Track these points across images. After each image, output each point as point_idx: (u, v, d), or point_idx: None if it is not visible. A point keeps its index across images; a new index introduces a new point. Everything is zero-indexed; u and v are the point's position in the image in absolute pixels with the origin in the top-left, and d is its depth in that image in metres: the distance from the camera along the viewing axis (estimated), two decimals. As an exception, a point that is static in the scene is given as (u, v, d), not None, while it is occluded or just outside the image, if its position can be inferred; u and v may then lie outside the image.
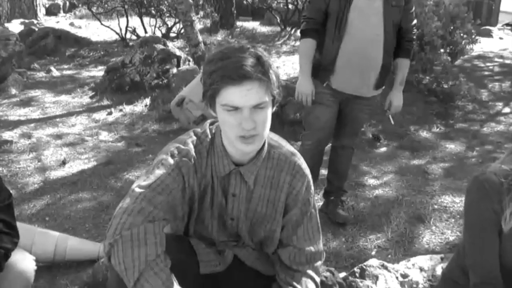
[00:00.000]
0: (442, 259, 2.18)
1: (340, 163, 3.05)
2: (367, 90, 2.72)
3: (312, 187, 1.53)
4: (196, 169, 1.42)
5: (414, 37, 2.80)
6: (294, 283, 1.45)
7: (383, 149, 4.41)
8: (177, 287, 1.23)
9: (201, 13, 9.88)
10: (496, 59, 8.04)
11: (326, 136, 2.87)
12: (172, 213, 1.35)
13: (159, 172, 1.35)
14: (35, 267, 2.12)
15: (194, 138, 1.45)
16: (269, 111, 1.33)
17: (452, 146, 4.52)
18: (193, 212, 1.47)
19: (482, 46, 7.58)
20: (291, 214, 1.49)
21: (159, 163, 1.37)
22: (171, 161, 1.37)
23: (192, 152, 1.41)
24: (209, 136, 1.45)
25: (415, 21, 2.75)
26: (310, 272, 1.48)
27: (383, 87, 2.84)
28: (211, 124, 1.50)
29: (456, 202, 3.36)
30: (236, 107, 1.27)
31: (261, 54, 1.29)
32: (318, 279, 1.49)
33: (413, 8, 2.73)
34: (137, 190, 1.30)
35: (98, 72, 7.08)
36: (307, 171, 1.52)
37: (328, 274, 1.88)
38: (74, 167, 3.89)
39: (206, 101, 1.34)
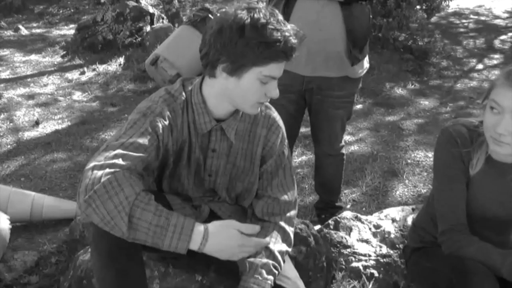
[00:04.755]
0: (413, 210, 2.25)
1: (326, 173, 2.46)
2: (332, 67, 2.07)
3: (286, 140, 1.56)
4: (171, 127, 1.41)
5: None
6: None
7: (359, 106, 4.45)
8: (169, 212, 1.22)
9: (175, -32, 9.56)
10: (471, 16, 8.08)
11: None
12: (145, 170, 1.34)
13: (131, 131, 1.33)
14: (10, 226, 2.13)
15: (167, 96, 1.43)
16: None
17: (426, 103, 4.59)
18: (166, 168, 1.47)
19: (458, 2, 7.60)
20: (266, 165, 1.52)
21: (132, 122, 1.36)
22: (144, 120, 1.35)
23: (166, 111, 1.39)
24: (183, 94, 1.44)
25: None
26: (282, 223, 1.49)
27: (366, 64, 2.20)
28: (184, 80, 1.48)
29: (428, 156, 3.44)
30: (273, 78, 1.34)
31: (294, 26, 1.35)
32: (290, 230, 1.51)
33: None
34: (108, 148, 1.29)
35: (68, 30, 6.87)
36: (281, 123, 1.54)
37: (303, 226, 1.92)
38: (47, 127, 3.82)
39: (232, 66, 1.30)
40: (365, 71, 2.21)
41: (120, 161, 1.24)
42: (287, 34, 1.28)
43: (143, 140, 1.32)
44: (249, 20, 1.27)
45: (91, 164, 1.25)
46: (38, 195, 2.52)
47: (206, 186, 1.55)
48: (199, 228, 1.23)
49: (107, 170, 1.22)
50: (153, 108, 1.38)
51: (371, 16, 2.14)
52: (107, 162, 1.24)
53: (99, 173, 1.21)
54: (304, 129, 3.09)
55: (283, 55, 1.29)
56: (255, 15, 1.28)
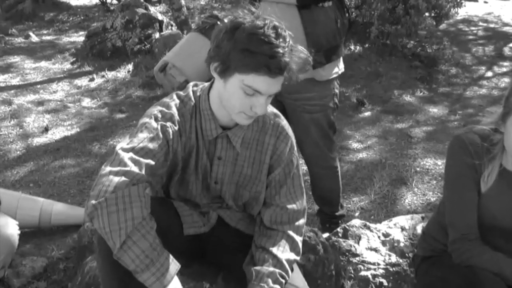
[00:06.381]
0: (423, 218, 2.23)
1: (322, 188, 2.43)
2: None
3: (295, 148, 1.55)
4: (180, 133, 1.41)
5: None
6: (267, 246, 1.44)
7: (367, 113, 4.44)
8: (162, 248, 1.24)
9: (184, -24, 9.63)
10: (480, 23, 8.05)
11: None
12: (154, 176, 1.34)
13: (142, 135, 1.33)
14: (19, 232, 2.13)
15: (177, 101, 1.44)
16: None
17: (435, 110, 4.56)
18: (175, 174, 1.47)
19: (467, 10, 7.57)
20: (274, 174, 1.50)
21: (142, 127, 1.36)
22: (154, 124, 1.36)
23: (176, 115, 1.40)
24: (193, 99, 1.44)
25: None
26: (290, 232, 1.48)
27: (336, 69, 2.17)
28: (194, 86, 1.49)
29: (438, 164, 3.42)
30: (257, 92, 1.29)
31: (295, 46, 1.30)
32: (299, 239, 1.50)
33: None
34: (121, 152, 1.29)
35: (78, 37, 6.93)
36: (290, 131, 1.53)
37: (311, 234, 1.91)
38: (57, 133, 3.85)
39: (221, 67, 1.30)
40: (335, 76, 2.18)
41: (134, 168, 1.25)
42: (279, 50, 1.23)
43: (153, 145, 1.32)
44: (245, 25, 1.25)
45: (107, 169, 1.25)
46: (47, 201, 2.54)
47: (213, 193, 1.55)
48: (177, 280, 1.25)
49: (123, 178, 1.22)
50: (163, 113, 1.39)
51: (338, 21, 2.08)
52: (123, 169, 1.24)
53: (115, 179, 1.22)
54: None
55: (264, 68, 1.23)
56: (255, 23, 1.26)
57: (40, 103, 4.50)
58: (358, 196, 3.01)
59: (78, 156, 3.47)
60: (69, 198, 2.92)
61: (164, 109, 1.40)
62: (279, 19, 1.94)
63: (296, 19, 2.00)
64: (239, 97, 1.31)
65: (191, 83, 1.50)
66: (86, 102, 4.58)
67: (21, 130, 3.89)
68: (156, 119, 1.37)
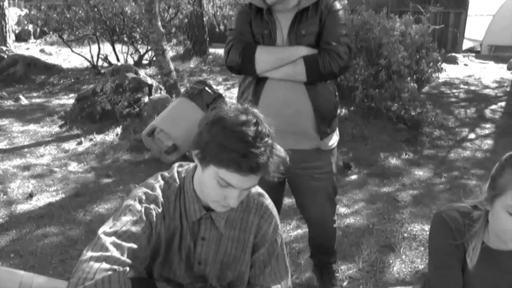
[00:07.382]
0: (410, 291, 2.20)
1: (320, 243, 2.57)
2: (303, 140, 2.20)
3: (280, 227, 1.55)
4: (164, 214, 1.41)
5: (342, 46, 2.08)
6: None
7: (354, 176, 4.46)
8: None
9: (174, 40, 9.95)
10: (461, 86, 8.31)
11: None
12: (137, 259, 1.33)
13: (125, 218, 1.33)
14: (-3, 312, 2.05)
15: (162, 182, 1.45)
16: None
17: (420, 173, 4.61)
18: (158, 256, 1.45)
19: (448, 73, 7.84)
20: (258, 254, 1.50)
21: (126, 209, 1.36)
22: (138, 207, 1.36)
23: (160, 197, 1.40)
24: (177, 181, 1.46)
25: (344, 32, 2.11)
26: None
27: (336, 137, 2.34)
28: (179, 167, 1.50)
29: (425, 230, 3.41)
30: (231, 186, 1.29)
31: (274, 146, 1.29)
32: None
33: (340, 20, 2.10)
34: (103, 237, 1.28)
35: (68, 100, 7.01)
36: (274, 211, 1.54)
37: (298, 311, 1.87)
38: (41, 200, 3.80)
39: (200, 155, 1.31)
40: (336, 143, 2.34)
41: (115, 253, 1.23)
42: (253, 150, 1.22)
43: (136, 229, 1.31)
44: (225, 119, 1.26)
45: (88, 255, 1.23)
46: (27, 274, 2.46)
47: (196, 273, 1.53)
48: None
49: (104, 264, 1.20)
50: (147, 195, 1.40)
51: (336, 94, 2.28)
52: (104, 254, 1.23)
53: (95, 265, 1.20)
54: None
55: (235, 166, 1.23)
56: (237, 119, 1.25)
57: (26, 167, 4.47)
58: (346, 264, 2.98)
59: (62, 224, 3.41)
60: (51, 269, 2.84)
61: (148, 191, 1.41)
62: (286, 91, 2.04)
63: (303, 94, 2.15)
64: (213, 187, 1.32)
65: (176, 164, 1.52)
66: (73, 166, 4.56)
67: (5, 196, 3.84)
68: (140, 201, 1.38)
